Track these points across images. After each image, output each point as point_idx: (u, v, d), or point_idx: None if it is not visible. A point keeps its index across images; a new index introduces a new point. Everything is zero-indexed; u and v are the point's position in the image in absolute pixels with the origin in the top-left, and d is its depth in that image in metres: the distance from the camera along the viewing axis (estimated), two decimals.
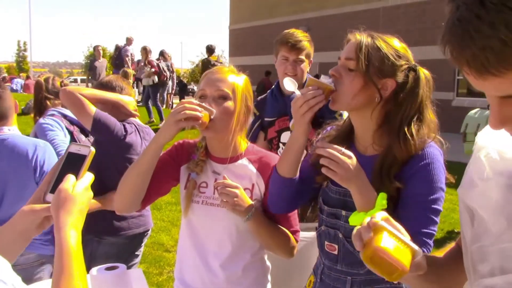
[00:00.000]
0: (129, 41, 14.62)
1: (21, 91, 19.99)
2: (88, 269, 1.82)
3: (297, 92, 1.49)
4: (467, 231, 1.03)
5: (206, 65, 12.39)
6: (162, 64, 12.52)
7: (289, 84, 1.55)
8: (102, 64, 13.76)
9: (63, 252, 0.96)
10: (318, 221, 1.69)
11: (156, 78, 12.12)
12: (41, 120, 3.13)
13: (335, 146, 1.37)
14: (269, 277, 1.88)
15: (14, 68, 59.66)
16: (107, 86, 2.77)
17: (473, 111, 6.25)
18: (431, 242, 1.40)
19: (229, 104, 1.67)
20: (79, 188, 1.06)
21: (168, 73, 12.66)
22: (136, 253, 2.86)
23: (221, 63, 13.07)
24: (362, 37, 1.48)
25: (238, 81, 1.73)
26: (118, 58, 14.39)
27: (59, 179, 1.08)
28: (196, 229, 1.78)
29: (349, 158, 1.36)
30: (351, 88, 1.47)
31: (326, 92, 1.48)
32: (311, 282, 1.72)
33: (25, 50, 63.13)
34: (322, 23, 19.33)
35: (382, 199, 1.35)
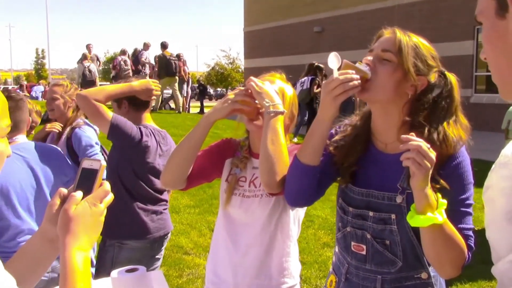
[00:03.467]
0: (146, 46, 14.77)
1: (41, 99, 20.25)
2: (108, 275, 1.84)
3: (335, 73, 1.44)
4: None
5: (162, 59, 13.65)
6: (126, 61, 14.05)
7: (333, 60, 1.48)
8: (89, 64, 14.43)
9: (67, 274, 0.95)
10: (338, 222, 1.66)
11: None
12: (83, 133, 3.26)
13: (423, 141, 1.32)
14: (299, 273, 1.90)
15: (33, 76, 60.63)
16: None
17: None
18: (472, 233, 1.47)
19: None
20: (84, 206, 1.03)
21: (128, 67, 14.02)
22: (157, 256, 2.87)
23: (175, 57, 13.87)
24: (400, 33, 1.50)
25: (286, 88, 1.84)
26: (135, 63, 14.54)
27: None
28: (232, 220, 1.86)
29: (434, 156, 1.32)
30: (389, 79, 1.47)
31: (361, 79, 1.44)
32: (332, 282, 1.70)
33: (43, 57, 64.08)
34: (336, 23, 19.24)
35: (441, 198, 1.36)
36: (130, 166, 2.65)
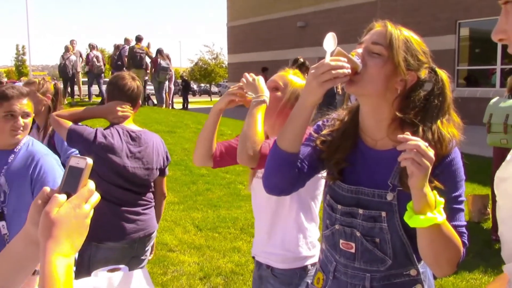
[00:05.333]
0: (127, 41, 14.62)
1: None
2: (86, 274, 1.81)
3: (327, 58, 1.39)
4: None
5: (132, 51, 14.11)
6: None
7: (329, 42, 1.43)
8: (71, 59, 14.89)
9: (46, 280, 0.88)
10: (326, 219, 1.62)
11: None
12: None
13: (420, 139, 1.28)
14: (311, 254, 2.06)
15: (13, 72, 59.67)
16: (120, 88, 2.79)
17: (494, 100, 5.59)
18: (465, 229, 1.46)
19: (278, 93, 2.05)
20: (67, 208, 0.95)
21: (100, 64, 14.88)
22: (141, 257, 2.83)
23: (145, 50, 14.23)
24: (391, 27, 1.46)
25: (294, 79, 2.09)
26: (119, 59, 14.39)
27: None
28: (254, 198, 2.23)
29: (433, 154, 1.28)
30: (379, 73, 1.42)
31: (351, 71, 1.39)
32: (319, 280, 1.67)
33: (23, 54, 62.90)
34: (319, 18, 19.27)
35: (438, 197, 1.32)
36: (93, 169, 2.61)
